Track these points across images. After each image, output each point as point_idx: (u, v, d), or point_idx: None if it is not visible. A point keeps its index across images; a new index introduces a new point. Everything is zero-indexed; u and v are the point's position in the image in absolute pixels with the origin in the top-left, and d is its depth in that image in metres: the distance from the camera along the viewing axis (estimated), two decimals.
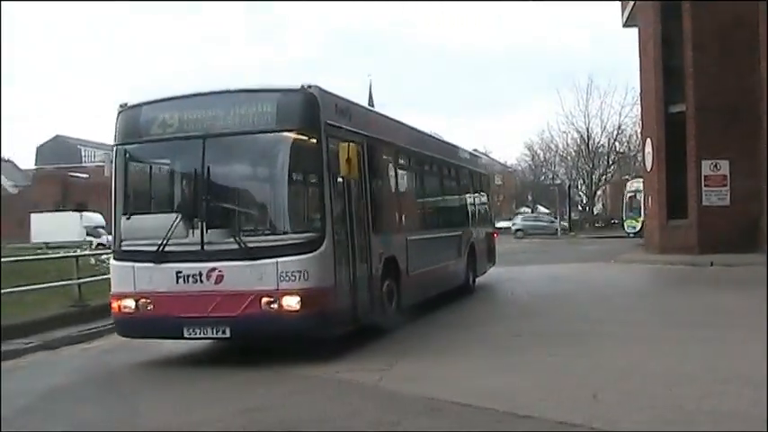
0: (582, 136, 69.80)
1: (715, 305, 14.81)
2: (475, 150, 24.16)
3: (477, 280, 19.28)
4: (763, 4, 24.66)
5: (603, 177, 75.24)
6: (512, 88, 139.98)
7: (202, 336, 10.28)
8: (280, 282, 9.88)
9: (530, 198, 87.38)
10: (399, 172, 14.13)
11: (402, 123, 15.02)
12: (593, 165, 71.04)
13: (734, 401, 7.23)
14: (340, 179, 10.73)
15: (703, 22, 26.18)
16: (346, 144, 10.43)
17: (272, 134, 10.49)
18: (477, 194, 20.84)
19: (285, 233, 10.24)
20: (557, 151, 74.30)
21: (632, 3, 31.63)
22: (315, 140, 10.33)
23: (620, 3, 35.03)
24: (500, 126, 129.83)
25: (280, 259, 9.91)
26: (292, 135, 10.42)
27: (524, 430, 6.79)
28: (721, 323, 12.23)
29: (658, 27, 27.92)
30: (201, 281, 10.09)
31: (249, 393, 8.70)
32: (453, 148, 19.13)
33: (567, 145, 72.75)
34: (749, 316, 12.92)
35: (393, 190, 13.77)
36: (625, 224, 49.10)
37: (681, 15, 26.87)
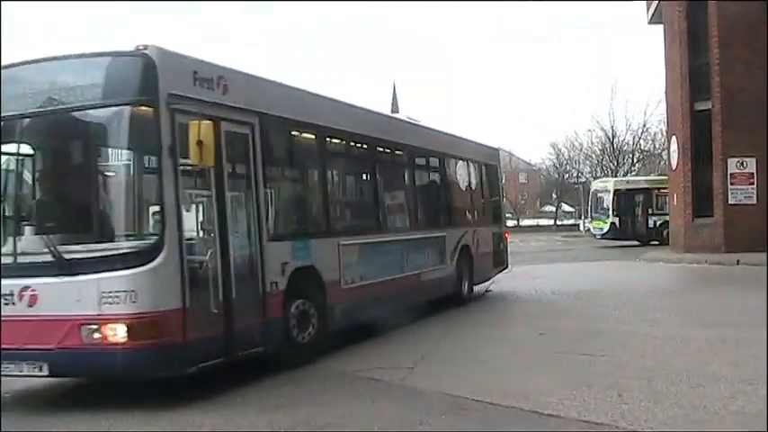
0: (606, 134, 69.51)
1: (741, 305, 14.71)
2: (497, 147, 21.58)
3: (480, 286, 17.85)
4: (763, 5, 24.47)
5: (628, 176, 74.86)
6: (536, 86, 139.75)
7: (19, 373, 8.09)
8: (102, 305, 7.65)
9: (554, 196, 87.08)
10: (323, 160, 11.52)
11: (332, 100, 11.98)
12: (617, 163, 70.59)
13: (760, 402, 7.17)
14: (208, 168, 8.46)
15: (729, 20, 26.03)
16: (197, 122, 8.03)
17: (98, 110, 8.34)
18: (474, 189, 18.05)
19: (111, 240, 8.05)
20: (581, 149, 74.02)
21: (657, 0, 31.47)
22: (151, 117, 8.02)
23: (645, 0, 34.88)
24: (525, 125, 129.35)
25: (102, 275, 7.70)
26: (123, 110, 8.15)
27: (549, 430, 6.78)
28: (747, 323, 12.12)
29: (684, 24, 27.73)
30: (13, 302, 7.95)
31: (275, 391, 8.72)
32: (431, 133, 15.94)
33: (592, 143, 72.48)
34: None
35: (313, 183, 11.46)
36: (591, 225, 46.10)
37: (706, 12, 26.71)
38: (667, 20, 30.33)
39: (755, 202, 25.96)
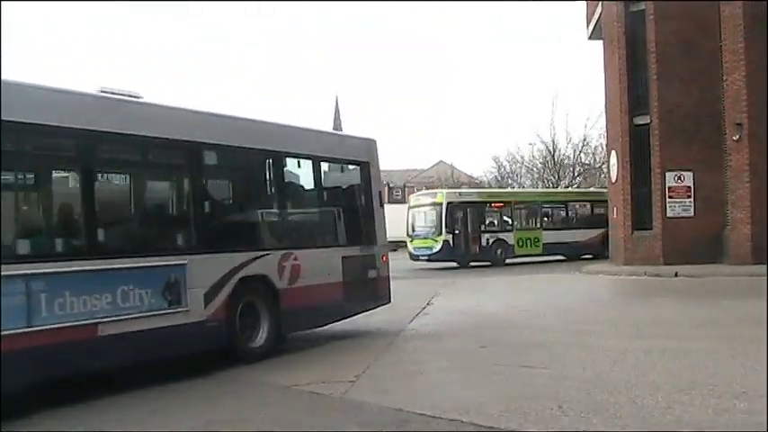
0: (548, 147, 70.21)
1: (678, 316, 14.91)
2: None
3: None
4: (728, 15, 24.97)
5: (569, 188, 75.73)
6: (477, 99, 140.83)
7: None
8: None
9: None
10: None
11: None
12: (558, 176, 71.36)
13: (698, 411, 7.27)
14: None
15: (667, 35, 26.52)
16: None
17: None
18: (303, 196, 13.78)
19: None
20: (522, 163, 74.61)
21: (597, 16, 31.94)
22: None
23: (585, 16, 35.41)
24: (467, 137, 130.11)
25: None
26: None
27: None
28: (685, 333, 12.32)
29: (622, 40, 28.16)
30: None
31: (217, 405, 8.64)
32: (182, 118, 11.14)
33: (533, 156, 73.13)
34: (712, 326, 13.06)
35: None
36: (412, 246, 37.39)
37: (645, 29, 27.19)
38: (607, 36, 30.78)
39: (693, 214, 26.43)
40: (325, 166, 13.96)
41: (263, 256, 11.76)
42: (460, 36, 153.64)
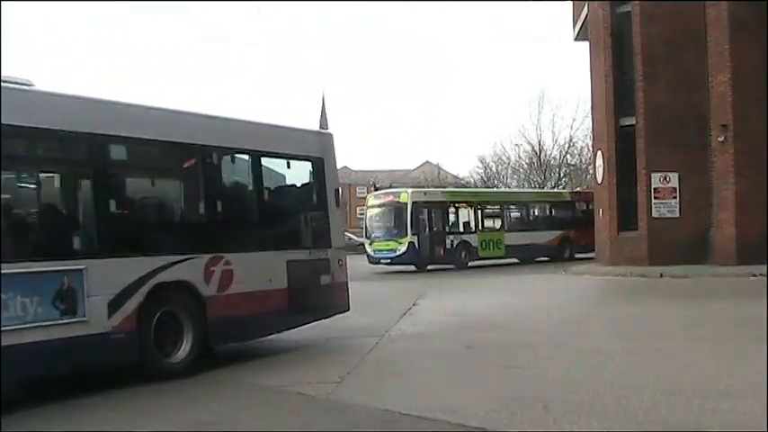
0: (534, 148, 70.38)
1: (664, 316, 14.95)
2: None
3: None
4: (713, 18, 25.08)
5: (555, 189, 76.00)
6: (464, 101, 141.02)
7: None
8: None
9: None
10: None
11: None
12: (544, 177, 71.55)
13: (682, 411, 7.29)
14: None
15: (653, 37, 26.62)
16: None
17: None
18: (234, 194, 12.31)
19: None
20: (509, 163, 74.74)
21: (584, 17, 32.02)
22: None
23: (571, 17, 35.50)
24: (453, 138, 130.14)
25: None
26: None
27: None
28: (670, 334, 12.35)
29: (609, 41, 28.26)
30: None
31: (202, 407, 8.60)
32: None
33: (520, 157, 73.30)
34: (697, 327, 13.11)
35: None
36: (371, 249, 35.06)
37: (631, 31, 27.29)
38: (593, 37, 30.87)
39: (678, 215, 26.55)
40: (267, 162, 12.58)
41: (185, 260, 10.54)
42: (447, 36, 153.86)
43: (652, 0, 26.57)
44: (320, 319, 13.01)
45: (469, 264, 34.87)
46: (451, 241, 34.68)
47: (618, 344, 11.55)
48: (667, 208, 26.67)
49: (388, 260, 34.02)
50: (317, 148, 13.44)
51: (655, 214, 26.72)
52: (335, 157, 13.89)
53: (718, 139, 24.88)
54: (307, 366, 10.68)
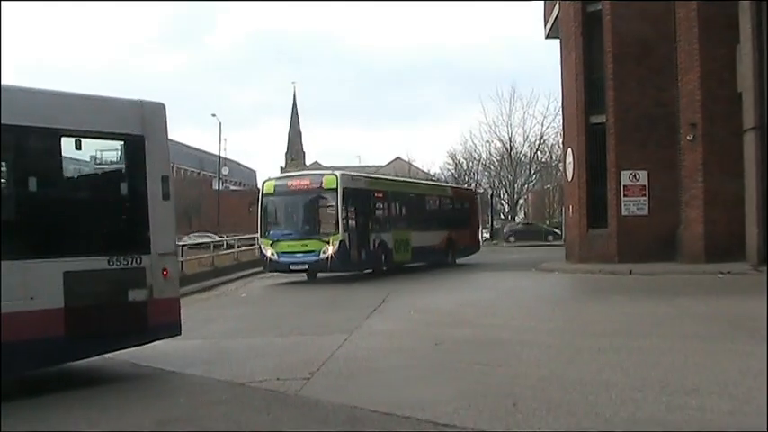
0: (504, 145, 70.68)
1: (632, 313, 15.02)
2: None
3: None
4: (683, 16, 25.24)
5: (525, 186, 76.38)
6: (436, 97, 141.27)
7: None
8: None
9: None
10: None
11: None
12: (515, 174, 71.89)
13: (650, 408, 7.33)
14: None
15: (623, 36, 26.77)
16: None
17: None
18: None
19: None
20: (480, 160, 74.97)
21: (555, 15, 32.15)
22: None
23: (542, 15, 35.64)
24: (424, 135, 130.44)
25: None
26: None
27: None
28: (638, 331, 12.41)
29: (579, 39, 28.38)
30: None
31: (170, 403, 8.55)
32: None
33: (490, 154, 73.58)
34: (665, 324, 13.19)
35: None
36: (272, 251, 25.76)
37: (601, 29, 27.41)
38: (563, 35, 30.99)
39: (647, 213, 26.72)
40: (35, 142, 9.44)
41: None
42: (419, 31, 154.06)
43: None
44: (132, 346, 10.19)
45: (384, 268, 28.21)
46: (373, 241, 27.46)
47: (586, 341, 11.59)
48: (636, 206, 26.83)
49: (304, 266, 25.68)
50: (133, 124, 10.09)
51: (624, 212, 26.86)
52: (166, 135, 10.54)
53: (688, 137, 25.02)
54: (276, 363, 10.62)
